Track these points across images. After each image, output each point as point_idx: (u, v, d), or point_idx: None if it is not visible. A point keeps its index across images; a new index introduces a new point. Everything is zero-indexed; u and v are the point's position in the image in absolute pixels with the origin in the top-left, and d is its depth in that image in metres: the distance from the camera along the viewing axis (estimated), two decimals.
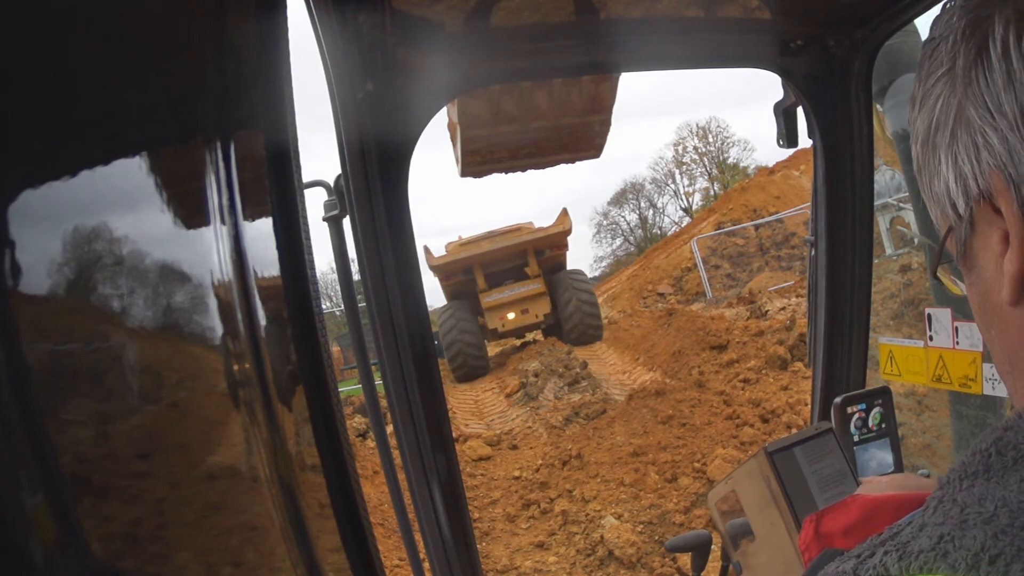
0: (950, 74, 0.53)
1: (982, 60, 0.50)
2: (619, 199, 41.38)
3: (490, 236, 14.83)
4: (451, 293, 14.67)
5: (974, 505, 0.45)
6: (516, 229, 15.01)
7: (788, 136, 1.82)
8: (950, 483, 0.49)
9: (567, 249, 15.15)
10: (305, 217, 0.91)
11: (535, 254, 14.38)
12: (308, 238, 0.91)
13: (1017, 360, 0.54)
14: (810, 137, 1.82)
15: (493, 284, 14.41)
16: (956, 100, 0.52)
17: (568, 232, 14.55)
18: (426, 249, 14.53)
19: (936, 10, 0.57)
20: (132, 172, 0.55)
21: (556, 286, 14.39)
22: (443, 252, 14.61)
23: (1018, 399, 0.54)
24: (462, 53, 1.55)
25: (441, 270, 14.14)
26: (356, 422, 9.33)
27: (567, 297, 14.09)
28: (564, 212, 14.57)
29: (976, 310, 0.58)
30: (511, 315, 14.35)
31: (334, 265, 1.53)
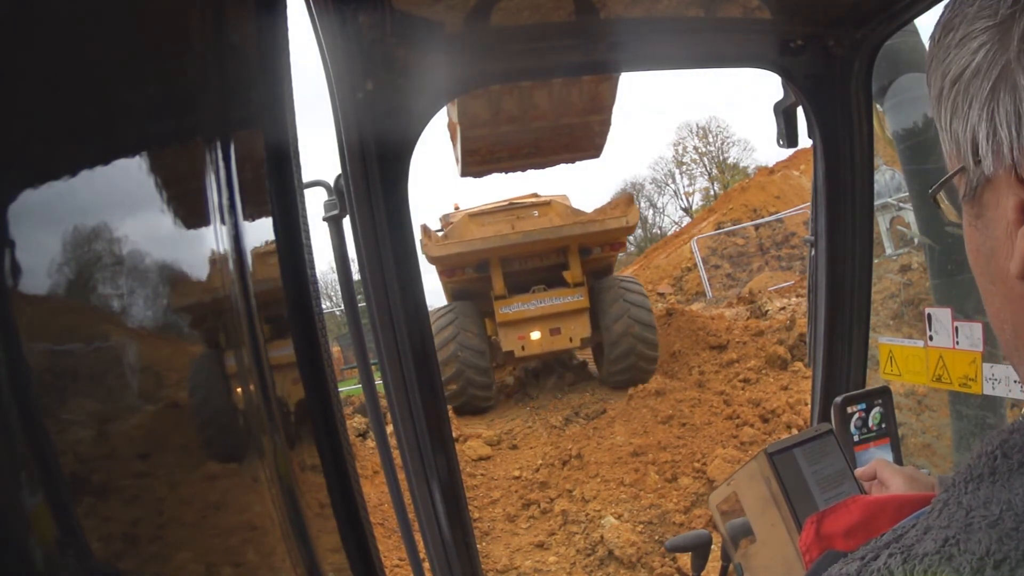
0: (1000, 29, 0.50)
1: None
2: None
3: (512, 209, 10.09)
4: (454, 292, 10.26)
5: (979, 508, 0.45)
6: (546, 203, 10.24)
7: (788, 136, 1.82)
8: (955, 485, 0.48)
9: (624, 250, 10.79)
10: (305, 217, 0.91)
11: (579, 253, 9.77)
12: (308, 238, 0.91)
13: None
14: (810, 137, 1.82)
15: (515, 289, 9.70)
16: (1005, 58, 0.49)
17: (632, 230, 10.06)
18: (424, 230, 9.57)
19: (937, 10, 0.56)
20: (132, 172, 0.55)
21: (600, 298, 9.76)
22: (443, 231, 10.21)
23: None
24: (462, 53, 1.55)
25: (444, 262, 9.43)
26: (356, 422, 9.31)
27: (616, 313, 9.50)
28: (630, 199, 10.19)
29: (975, 255, 0.56)
30: (536, 334, 9.65)
31: (334, 265, 1.53)
